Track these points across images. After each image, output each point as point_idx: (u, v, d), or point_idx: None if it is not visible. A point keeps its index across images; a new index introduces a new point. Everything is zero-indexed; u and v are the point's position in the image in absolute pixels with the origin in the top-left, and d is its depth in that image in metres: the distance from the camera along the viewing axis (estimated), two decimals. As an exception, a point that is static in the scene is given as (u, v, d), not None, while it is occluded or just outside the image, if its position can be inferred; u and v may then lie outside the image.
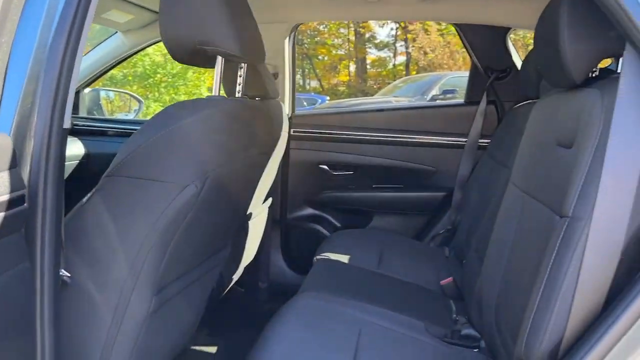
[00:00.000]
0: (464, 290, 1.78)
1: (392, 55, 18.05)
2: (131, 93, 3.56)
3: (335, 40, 18.31)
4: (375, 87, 17.51)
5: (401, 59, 17.49)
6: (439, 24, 13.82)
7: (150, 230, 1.00)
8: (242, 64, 1.39)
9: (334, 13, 2.47)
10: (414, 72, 15.77)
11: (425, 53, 13.32)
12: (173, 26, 1.13)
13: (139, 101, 3.26)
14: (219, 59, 1.21)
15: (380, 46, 17.97)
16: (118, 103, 3.49)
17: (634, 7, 0.86)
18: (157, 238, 1.01)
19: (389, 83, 17.57)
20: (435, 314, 1.57)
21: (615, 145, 0.88)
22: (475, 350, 1.34)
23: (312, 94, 15.64)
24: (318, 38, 18.16)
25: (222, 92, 1.34)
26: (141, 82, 11.27)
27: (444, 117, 2.51)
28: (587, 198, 0.90)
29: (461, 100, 2.62)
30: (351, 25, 17.40)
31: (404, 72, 16.60)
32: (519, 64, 2.34)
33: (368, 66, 18.47)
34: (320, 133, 2.55)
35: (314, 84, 18.98)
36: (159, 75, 10.28)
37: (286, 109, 2.53)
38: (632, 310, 0.85)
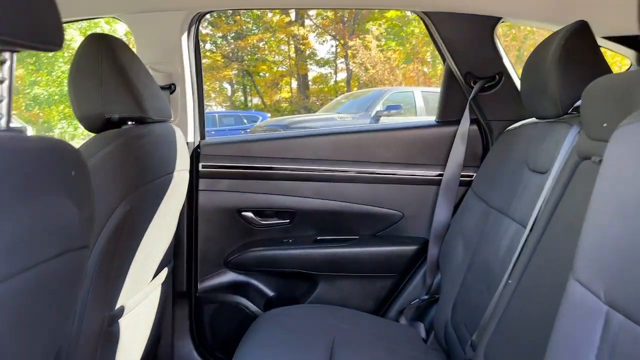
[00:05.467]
0: None
1: (333, 71, 17.61)
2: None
3: (276, 56, 17.66)
4: (317, 103, 16.99)
5: (342, 75, 17.07)
6: (379, 40, 13.46)
7: None
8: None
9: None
10: (355, 88, 15.35)
11: (366, 69, 12.87)
12: None
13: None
14: None
15: (321, 63, 17.53)
16: None
17: None
18: None
19: (331, 99, 17.16)
20: None
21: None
22: None
23: (253, 110, 14.80)
24: (258, 55, 17.46)
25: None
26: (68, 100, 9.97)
27: (411, 143, 1.74)
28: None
29: (432, 120, 1.87)
30: (291, 42, 16.83)
31: (345, 89, 16.18)
32: (510, 68, 1.63)
33: (310, 82, 17.92)
34: (242, 168, 1.73)
35: (256, 100, 18.22)
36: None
37: (189, 136, 1.70)
38: None
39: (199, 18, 1.67)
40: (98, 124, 1.16)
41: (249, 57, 17.50)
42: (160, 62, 1.62)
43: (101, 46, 1.13)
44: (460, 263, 1.44)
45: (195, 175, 1.70)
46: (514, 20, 1.66)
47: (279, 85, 18.08)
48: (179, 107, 1.66)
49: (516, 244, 1.11)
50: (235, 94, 18.57)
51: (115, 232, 1.04)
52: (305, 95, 17.49)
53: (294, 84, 18.14)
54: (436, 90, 9.04)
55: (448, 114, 1.75)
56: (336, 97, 16.41)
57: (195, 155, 1.71)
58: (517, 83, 1.61)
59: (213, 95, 18.11)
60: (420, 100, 7.90)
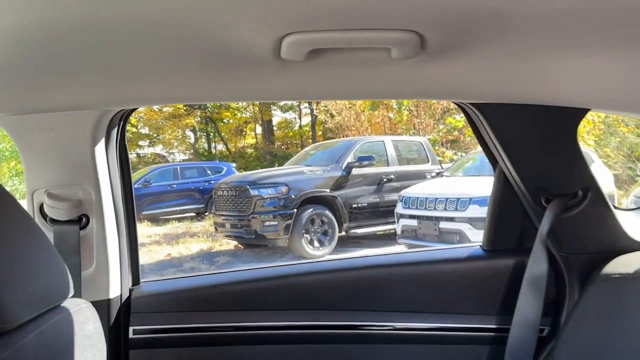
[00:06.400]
0: None
1: (297, 116, 17.32)
2: None
3: (239, 103, 17.25)
4: (283, 147, 16.56)
5: (307, 119, 16.80)
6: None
7: None
8: None
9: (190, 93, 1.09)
10: (320, 133, 15.03)
11: (332, 115, 12.57)
12: None
13: None
14: None
15: (285, 108, 17.23)
16: None
17: None
18: None
19: (297, 144, 16.76)
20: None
21: None
22: None
23: (217, 161, 14.15)
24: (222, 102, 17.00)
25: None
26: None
27: (448, 281, 1.18)
28: None
29: (476, 246, 1.30)
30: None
31: (310, 133, 15.85)
32: (597, 180, 1.11)
33: (275, 128, 17.55)
34: (194, 330, 1.14)
35: (220, 147, 17.63)
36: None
37: (112, 287, 1.11)
38: None
39: (123, 117, 1.11)
40: None
41: (212, 104, 17.01)
42: (62, 184, 1.04)
43: None
44: None
45: (122, 347, 1.10)
46: (603, 110, 1.16)
47: (244, 132, 17.62)
48: (95, 247, 1.07)
49: None
50: (199, 142, 17.95)
51: None
52: (270, 140, 17.10)
53: (259, 129, 17.73)
54: (406, 138, 8.70)
55: (502, 240, 1.21)
56: (301, 143, 16.05)
57: (123, 317, 1.11)
58: (607, 200, 1.10)
59: (175, 143, 17.43)
60: (391, 149, 7.53)
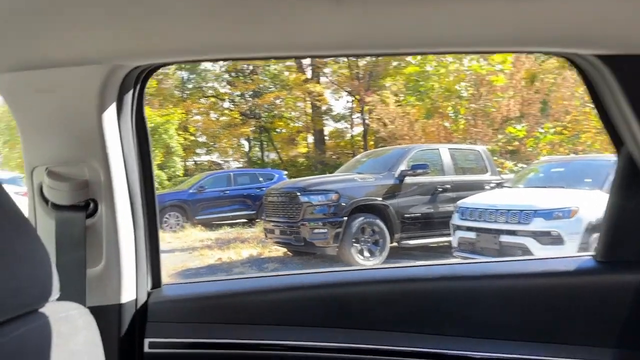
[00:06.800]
0: None
1: (349, 126, 17.16)
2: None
3: (293, 113, 17.35)
4: (334, 157, 16.43)
5: (358, 129, 16.61)
6: (397, 95, 12.98)
7: None
8: None
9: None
10: (372, 143, 14.79)
11: (385, 124, 12.32)
12: None
13: None
14: None
15: (337, 118, 17.15)
16: None
17: None
18: None
19: (348, 153, 16.59)
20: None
21: None
22: None
23: (269, 168, 14.21)
24: (275, 111, 17.19)
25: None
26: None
27: (552, 300, 0.94)
28: None
29: (586, 255, 1.03)
30: (308, 99, 16.55)
31: (362, 142, 15.65)
32: None
33: (326, 137, 17.48)
34: (221, 347, 0.96)
35: (273, 156, 17.76)
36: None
37: (126, 290, 0.95)
38: None
39: (141, 78, 0.93)
40: None
41: (266, 114, 17.20)
42: (64, 160, 0.88)
43: None
44: None
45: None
46: None
47: (295, 141, 17.65)
48: (104, 239, 0.91)
49: None
50: (252, 150, 18.19)
51: None
52: (322, 150, 17.03)
53: (310, 139, 17.72)
54: (463, 146, 8.29)
55: (624, 249, 0.95)
56: (352, 150, 15.85)
57: (138, 326, 0.94)
58: None
59: (230, 151, 17.73)
60: (447, 158, 7.20)
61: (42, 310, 0.62)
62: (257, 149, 18.46)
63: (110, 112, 0.92)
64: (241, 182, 10.58)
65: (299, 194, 6.25)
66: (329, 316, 0.98)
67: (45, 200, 0.93)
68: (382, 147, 11.98)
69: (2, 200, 0.60)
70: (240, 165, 17.25)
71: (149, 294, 1.01)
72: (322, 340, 0.95)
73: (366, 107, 14.68)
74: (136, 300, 0.98)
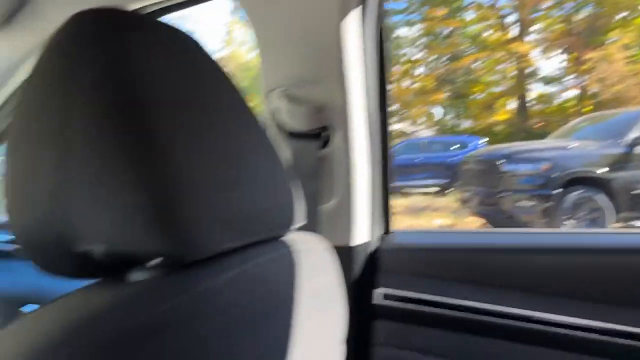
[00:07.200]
0: None
1: (559, 90, 15.03)
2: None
3: (492, 77, 15.98)
4: (539, 125, 14.71)
5: (569, 94, 14.44)
6: (627, 50, 10.84)
7: None
8: None
9: None
10: (588, 108, 12.72)
11: (609, 85, 10.46)
12: None
13: None
14: None
15: (546, 81, 15.12)
16: None
17: None
18: None
19: (556, 121, 14.62)
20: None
21: None
22: None
23: (465, 136, 13.44)
24: (472, 76, 16.08)
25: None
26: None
27: None
28: None
29: None
30: (511, 60, 15.01)
31: (572, 109, 13.58)
32: None
33: (531, 102, 15.70)
34: (463, 309, 0.81)
35: (467, 124, 16.78)
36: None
37: (358, 233, 0.86)
38: None
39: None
40: (60, 262, 0.42)
41: (462, 78, 16.23)
42: (298, 80, 0.80)
43: (97, 53, 0.38)
44: None
45: (365, 316, 0.84)
46: None
47: (493, 107, 16.31)
48: (338, 174, 0.82)
49: None
50: (445, 118, 17.51)
51: None
52: (524, 117, 15.40)
53: (511, 105, 16.15)
54: None
55: None
56: (561, 118, 13.89)
57: (369, 274, 0.85)
58: None
59: (423, 119, 17.36)
60: (703, 123, 5.70)
61: (283, 239, 0.56)
62: (451, 115, 17.71)
63: (353, 20, 0.79)
64: (435, 149, 10.31)
65: (502, 161, 5.71)
66: (592, 288, 0.74)
67: (280, 127, 0.88)
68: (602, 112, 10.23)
69: (246, 114, 0.54)
70: (433, 134, 16.80)
71: (381, 239, 0.91)
72: (589, 317, 0.72)
73: (583, 67, 12.70)
74: (368, 244, 0.89)
